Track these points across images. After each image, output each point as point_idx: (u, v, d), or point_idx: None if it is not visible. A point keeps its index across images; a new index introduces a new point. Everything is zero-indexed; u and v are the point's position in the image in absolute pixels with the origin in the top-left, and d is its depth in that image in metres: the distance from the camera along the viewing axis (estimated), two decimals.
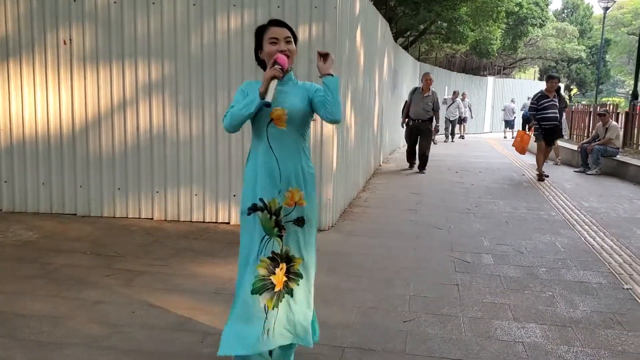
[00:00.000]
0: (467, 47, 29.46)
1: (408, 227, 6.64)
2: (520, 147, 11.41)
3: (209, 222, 6.36)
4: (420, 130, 11.42)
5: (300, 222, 2.92)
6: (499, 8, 22.43)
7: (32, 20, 6.31)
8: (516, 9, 27.81)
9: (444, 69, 29.40)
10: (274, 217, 2.87)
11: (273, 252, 2.88)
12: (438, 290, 4.52)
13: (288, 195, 2.87)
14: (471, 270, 5.08)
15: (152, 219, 6.44)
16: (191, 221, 6.38)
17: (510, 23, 30.61)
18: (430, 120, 11.45)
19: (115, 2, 6.21)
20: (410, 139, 11.73)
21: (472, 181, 10.42)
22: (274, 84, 2.73)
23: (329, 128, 6.14)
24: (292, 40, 2.89)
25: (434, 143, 11.62)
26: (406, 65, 18.10)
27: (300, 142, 2.91)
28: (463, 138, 21.35)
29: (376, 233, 6.25)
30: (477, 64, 37.44)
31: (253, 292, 2.85)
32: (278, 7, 6.07)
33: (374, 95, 10.42)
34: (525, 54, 41.46)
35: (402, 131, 13.21)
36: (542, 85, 13.49)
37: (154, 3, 6.16)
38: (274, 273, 2.88)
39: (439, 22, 22.37)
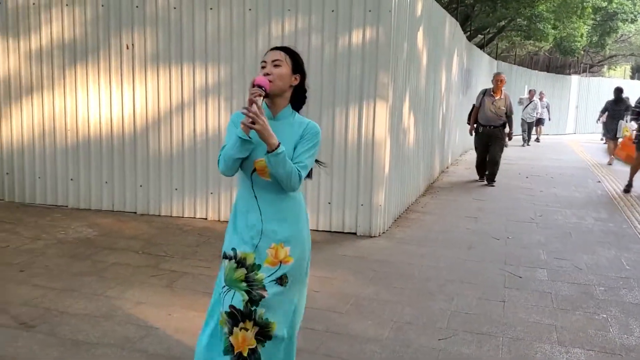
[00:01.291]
0: (551, 45, 28.26)
1: (463, 236, 6.44)
2: (625, 155, 10.25)
3: None
4: (491, 137, 10.07)
5: (283, 281, 2.64)
6: (584, 4, 21.33)
7: (98, 25, 6.58)
8: (604, 4, 26.35)
9: (525, 67, 28.33)
10: (243, 270, 2.60)
11: (232, 308, 2.60)
12: (482, 307, 4.35)
13: (271, 252, 2.60)
14: (522, 286, 4.85)
15: (206, 219, 6.58)
16: None
17: (598, 19, 29.06)
18: (503, 126, 10.12)
19: (175, 8, 6.37)
20: (480, 147, 10.35)
21: (542, 187, 9.98)
22: (258, 102, 2.42)
23: (380, 130, 6.05)
24: (286, 63, 2.58)
25: (505, 146, 10.60)
26: (481, 64, 17.57)
27: (291, 194, 2.64)
28: (539, 141, 20.48)
29: (427, 241, 6.10)
30: (561, 62, 35.84)
31: (224, 351, 2.67)
32: (332, 11, 6.03)
33: (439, 96, 10.17)
34: (615, 51, 39.28)
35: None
36: (635, 85, 12.39)
37: (211, 8, 6.27)
38: (231, 333, 2.61)
39: (518, 19, 21.56)
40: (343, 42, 6.05)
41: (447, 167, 12.16)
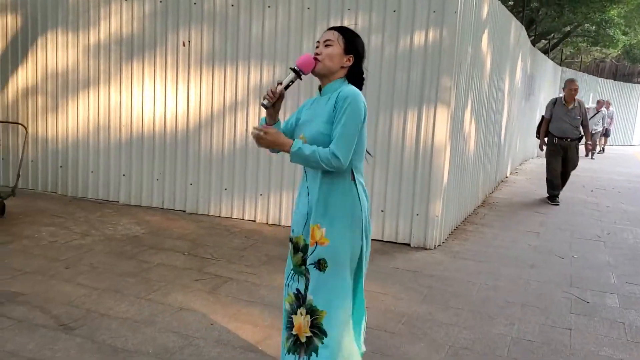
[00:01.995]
0: (619, 52, 27.03)
1: (524, 252, 6.04)
2: None
3: None
4: (567, 151, 8.98)
5: (321, 265, 2.52)
6: None
7: (155, 20, 6.52)
8: None
9: (590, 74, 27.20)
10: (299, 254, 2.65)
11: (297, 290, 2.69)
12: (546, 334, 3.99)
13: (311, 232, 2.57)
14: (590, 312, 4.46)
15: (254, 221, 6.42)
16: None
17: None
18: (580, 139, 9.09)
19: (232, 5, 6.24)
20: (555, 163, 9.04)
21: (608, 202, 9.39)
22: (288, 78, 2.54)
23: (440, 136, 5.73)
24: (338, 43, 2.54)
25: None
26: (545, 70, 16.88)
27: (325, 171, 2.53)
28: (603, 152, 19.54)
29: (486, 257, 5.75)
30: (629, 69, 34.27)
31: (284, 325, 2.79)
32: (394, 11, 5.75)
33: (502, 103, 9.73)
34: None
35: (535, 140, 12.07)
36: None
37: (269, 6, 6.10)
38: (295, 313, 2.71)
39: (586, 25, 20.65)
40: (404, 43, 5.77)
41: (507, 177, 11.66)
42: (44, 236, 5.41)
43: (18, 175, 6.12)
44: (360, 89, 2.61)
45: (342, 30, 2.57)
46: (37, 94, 7.08)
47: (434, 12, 5.65)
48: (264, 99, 2.52)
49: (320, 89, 2.64)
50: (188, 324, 3.77)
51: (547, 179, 9.22)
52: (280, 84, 2.49)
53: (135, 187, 6.82)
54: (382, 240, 6.01)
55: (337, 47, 2.52)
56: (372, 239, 6.03)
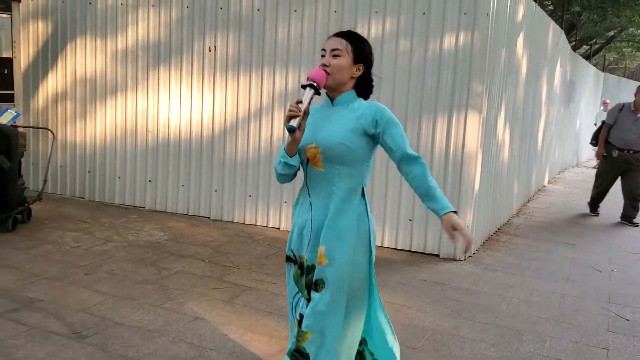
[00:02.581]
0: None
1: (560, 265, 5.76)
2: None
3: None
4: (631, 164, 7.98)
5: (318, 285, 2.33)
6: None
7: (182, 26, 6.48)
8: None
9: (636, 80, 26.32)
10: (304, 277, 2.45)
11: (301, 316, 2.47)
12: (580, 354, 3.74)
13: (318, 252, 2.37)
14: (630, 331, 4.18)
15: (278, 228, 6.30)
16: None
17: None
18: None
19: (259, 10, 6.15)
20: (610, 176, 8.25)
21: None
22: (308, 95, 2.24)
23: (471, 143, 5.52)
24: (347, 53, 2.31)
25: None
26: (586, 76, 16.37)
27: (336, 182, 2.33)
28: None
29: (519, 269, 5.49)
30: None
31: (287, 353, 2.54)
32: (423, 13, 5.58)
33: (540, 109, 9.41)
34: None
35: (575, 148, 11.60)
36: None
37: (295, 10, 6.00)
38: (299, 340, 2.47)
39: (631, 29, 19.99)
40: (434, 47, 5.59)
41: (545, 186, 11.28)
42: (67, 241, 5.39)
43: (45, 181, 6.15)
44: (368, 97, 2.48)
45: (350, 37, 2.34)
46: (67, 99, 7.13)
47: (465, 14, 5.45)
48: (290, 119, 2.19)
49: (331, 99, 2.43)
50: (202, 334, 3.66)
51: (592, 196, 8.58)
52: (301, 102, 2.21)
53: (161, 193, 6.79)
54: (410, 251, 5.82)
55: (346, 58, 2.31)
56: (400, 249, 5.89)
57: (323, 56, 2.35)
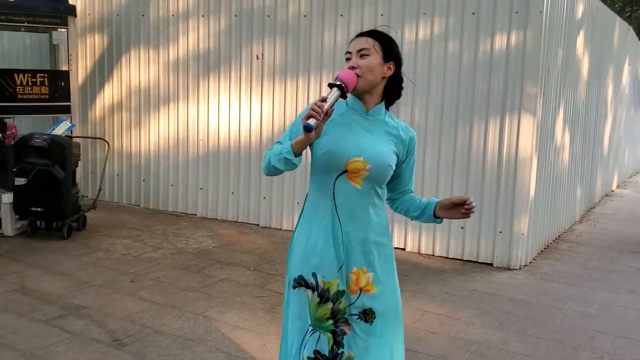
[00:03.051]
0: None
1: (624, 275, 5.41)
2: None
3: None
4: None
5: (368, 316, 2.14)
6: None
7: (230, 35, 6.53)
8: None
9: None
10: (329, 304, 2.12)
11: (317, 353, 2.13)
12: None
13: (352, 277, 2.13)
14: None
15: None
16: None
17: None
18: None
19: (305, 16, 6.12)
20: None
21: None
22: (333, 96, 1.98)
23: (526, 147, 5.28)
24: (375, 51, 2.10)
25: None
26: None
27: (375, 203, 2.16)
28: None
29: (578, 280, 5.19)
30: None
31: None
32: (473, 13, 5.39)
33: (605, 111, 8.95)
34: None
35: None
36: None
37: (342, 15, 5.93)
38: None
39: None
40: (484, 47, 5.38)
41: (613, 190, 10.71)
42: (118, 249, 5.50)
43: (99, 189, 6.31)
44: (394, 102, 2.28)
45: (376, 35, 2.16)
46: (122, 109, 7.32)
47: (517, 12, 5.23)
48: (309, 118, 1.93)
49: (364, 106, 2.17)
50: (241, 343, 3.62)
51: None
52: (325, 100, 1.96)
53: (212, 201, 6.85)
54: (462, 260, 5.61)
55: (376, 56, 2.09)
56: (451, 258, 5.69)
57: (349, 59, 2.13)
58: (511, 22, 5.25)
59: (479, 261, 5.55)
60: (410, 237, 5.84)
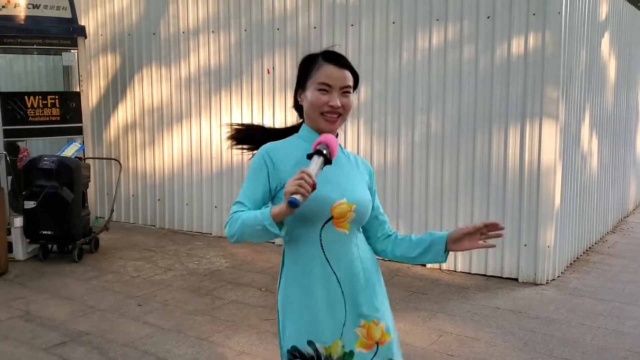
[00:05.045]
0: None
1: None
2: None
3: (401, 263, 5.67)
4: None
5: None
6: None
7: (241, 49, 6.42)
8: None
9: None
10: None
11: None
12: None
13: (362, 332, 1.88)
14: None
15: None
16: (384, 260, 5.74)
17: None
18: None
19: (315, 27, 5.97)
20: None
21: None
22: (318, 165, 1.68)
23: (548, 154, 5.01)
24: (352, 90, 1.88)
25: None
26: None
27: (358, 243, 1.92)
28: None
29: (610, 294, 4.86)
30: None
31: None
32: (488, 17, 5.16)
33: (636, 114, 8.57)
34: None
35: None
36: None
37: (352, 25, 5.76)
38: None
39: None
40: (501, 52, 5.15)
41: None
42: (128, 271, 5.38)
43: (112, 210, 6.23)
44: None
45: (351, 68, 1.90)
46: (136, 129, 7.25)
47: (534, 14, 4.99)
48: (294, 194, 1.60)
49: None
50: None
51: None
52: (310, 176, 1.64)
53: (226, 219, 6.68)
54: (485, 275, 5.33)
55: (352, 94, 1.90)
56: (474, 274, 5.42)
57: (325, 91, 1.83)
58: (528, 25, 5.01)
59: (504, 276, 5.26)
60: None
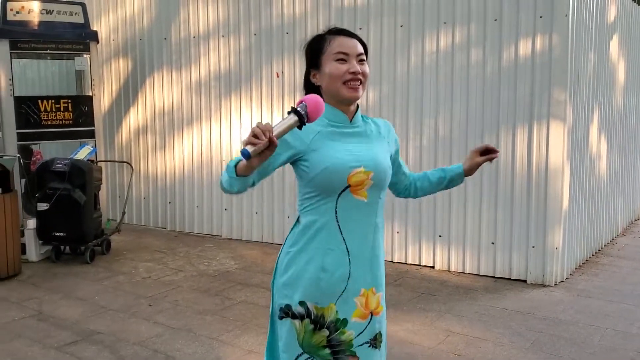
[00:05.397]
0: None
1: None
2: None
3: (410, 264, 5.70)
4: None
5: (377, 341, 1.97)
6: None
7: (250, 54, 6.49)
8: None
9: None
10: (324, 332, 1.90)
11: None
12: None
13: (360, 302, 1.94)
14: None
15: None
16: (392, 262, 5.78)
17: None
18: None
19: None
20: None
21: None
22: (286, 123, 1.65)
23: (556, 156, 5.02)
24: (366, 60, 1.95)
25: None
26: None
27: (379, 213, 1.98)
28: None
29: (619, 296, 4.86)
30: None
31: None
32: (495, 20, 5.19)
33: None
34: None
35: None
36: None
37: (360, 28, 5.80)
38: None
39: None
40: (508, 54, 5.17)
41: None
42: (139, 272, 5.44)
43: (123, 213, 6.30)
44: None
45: (360, 40, 1.96)
46: (147, 132, 7.34)
47: (541, 17, 5.01)
48: (247, 144, 1.58)
49: (346, 116, 1.95)
50: None
51: None
52: (270, 128, 1.61)
53: (236, 221, 6.76)
54: (493, 277, 5.35)
55: (367, 64, 1.96)
56: (482, 275, 5.44)
57: (343, 60, 1.88)
58: (535, 27, 5.04)
59: (512, 278, 5.27)
60: (439, 255, 5.61)
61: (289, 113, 1.68)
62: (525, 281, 5.20)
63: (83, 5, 6.62)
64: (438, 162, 5.51)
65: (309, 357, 1.93)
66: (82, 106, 6.46)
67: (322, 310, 1.90)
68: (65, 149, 6.92)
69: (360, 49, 1.92)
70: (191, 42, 6.88)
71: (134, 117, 7.45)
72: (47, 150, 6.83)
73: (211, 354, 3.68)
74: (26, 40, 6.21)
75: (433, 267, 5.61)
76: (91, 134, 6.53)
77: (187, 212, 7.13)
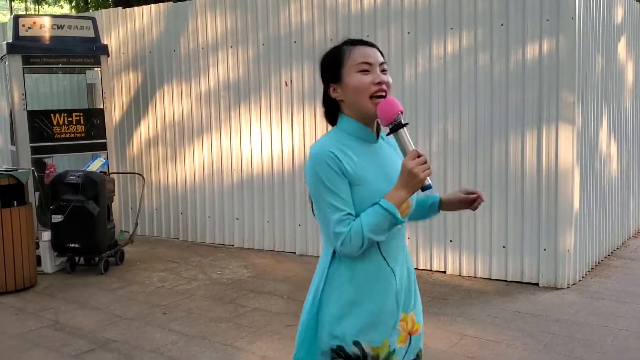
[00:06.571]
0: None
1: None
2: None
3: (422, 270, 5.70)
4: None
5: (419, 358, 1.95)
6: None
7: (259, 63, 6.55)
8: None
9: None
10: None
11: None
12: None
13: (402, 326, 1.85)
14: None
15: None
16: None
17: None
18: None
19: (331, 40, 6.08)
20: None
21: None
22: (408, 136, 1.74)
23: (566, 158, 5.03)
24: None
25: None
26: None
27: (404, 234, 1.92)
28: None
29: (632, 297, 4.85)
30: None
31: None
32: (501, 24, 5.22)
33: None
34: None
35: None
36: None
37: (368, 35, 5.85)
38: None
39: None
40: (515, 58, 5.20)
41: None
42: (153, 282, 5.49)
43: (136, 224, 6.37)
44: None
45: (377, 47, 1.91)
46: (158, 144, 7.41)
47: (547, 20, 5.04)
48: (427, 175, 1.70)
49: (372, 132, 1.88)
50: None
51: None
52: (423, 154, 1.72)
53: (248, 230, 6.80)
54: (505, 280, 5.34)
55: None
56: (494, 279, 5.44)
57: (366, 71, 1.79)
58: (542, 30, 5.06)
59: (524, 281, 5.27)
60: (450, 259, 5.62)
61: (398, 128, 1.73)
62: (537, 284, 5.20)
63: (93, 20, 6.73)
64: (447, 167, 5.54)
65: None
66: (93, 119, 6.55)
67: (378, 350, 1.78)
68: (78, 162, 7.01)
69: (382, 58, 1.85)
70: (200, 53, 6.96)
71: (145, 129, 7.53)
72: (60, 163, 6.91)
73: None
74: (38, 55, 6.32)
75: (445, 272, 5.62)
76: (103, 147, 6.61)
77: (199, 222, 7.18)
